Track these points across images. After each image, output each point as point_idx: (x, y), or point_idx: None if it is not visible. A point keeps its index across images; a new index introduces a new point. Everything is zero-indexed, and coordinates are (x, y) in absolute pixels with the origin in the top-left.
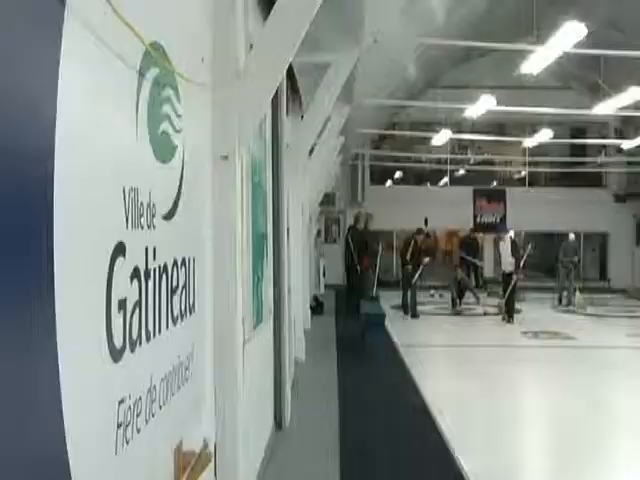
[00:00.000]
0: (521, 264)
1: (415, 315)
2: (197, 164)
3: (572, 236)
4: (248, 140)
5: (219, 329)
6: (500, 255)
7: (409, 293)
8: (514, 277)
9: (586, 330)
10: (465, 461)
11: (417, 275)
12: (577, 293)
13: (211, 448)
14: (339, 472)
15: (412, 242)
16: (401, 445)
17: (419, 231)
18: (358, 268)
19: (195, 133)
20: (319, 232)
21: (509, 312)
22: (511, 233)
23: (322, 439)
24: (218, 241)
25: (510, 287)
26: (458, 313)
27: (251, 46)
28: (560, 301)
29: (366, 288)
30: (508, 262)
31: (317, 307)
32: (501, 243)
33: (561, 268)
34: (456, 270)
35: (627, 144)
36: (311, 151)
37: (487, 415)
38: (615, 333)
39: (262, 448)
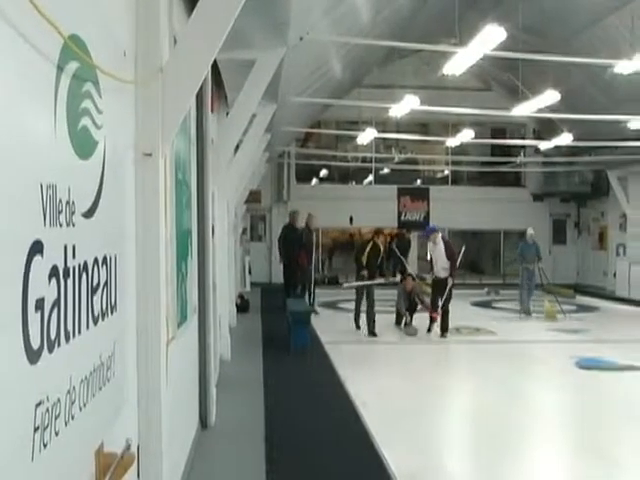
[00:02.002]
0: (457, 266)
1: (372, 333)
2: (119, 161)
3: (530, 232)
4: (172, 136)
5: (142, 328)
6: (431, 259)
7: (365, 305)
8: (449, 282)
9: (506, 325)
10: (388, 453)
11: (361, 282)
12: (545, 302)
13: (134, 449)
14: (265, 470)
15: (371, 244)
16: (326, 440)
17: (378, 232)
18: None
19: (117, 129)
20: (245, 230)
21: (443, 325)
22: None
23: (248, 437)
24: (141, 239)
25: (445, 295)
26: (412, 334)
27: (175, 41)
28: (525, 312)
29: (303, 286)
30: (442, 267)
31: (243, 305)
32: (430, 245)
33: (522, 273)
34: (406, 280)
35: (544, 145)
36: (237, 148)
37: (409, 408)
38: (533, 327)
39: (187, 448)
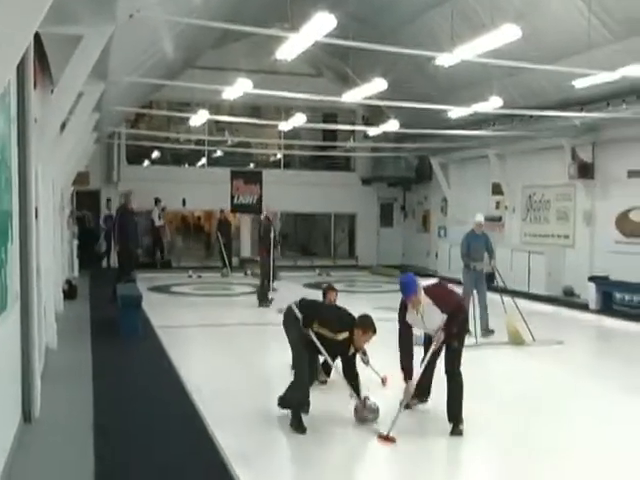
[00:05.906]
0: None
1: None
2: None
3: (479, 218)
4: None
5: None
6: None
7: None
8: (455, 344)
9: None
10: (220, 435)
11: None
12: (506, 318)
13: None
14: (93, 462)
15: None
16: (158, 426)
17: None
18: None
19: None
20: (72, 212)
21: (452, 411)
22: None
23: (75, 429)
24: None
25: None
26: (371, 419)
27: None
28: (485, 329)
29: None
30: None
31: (70, 291)
32: (411, 314)
33: (466, 275)
34: (328, 292)
35: (372, 131)
36: (63, 127)
37: (241, 389)
38: (364, 307)
39: (7, 444)
